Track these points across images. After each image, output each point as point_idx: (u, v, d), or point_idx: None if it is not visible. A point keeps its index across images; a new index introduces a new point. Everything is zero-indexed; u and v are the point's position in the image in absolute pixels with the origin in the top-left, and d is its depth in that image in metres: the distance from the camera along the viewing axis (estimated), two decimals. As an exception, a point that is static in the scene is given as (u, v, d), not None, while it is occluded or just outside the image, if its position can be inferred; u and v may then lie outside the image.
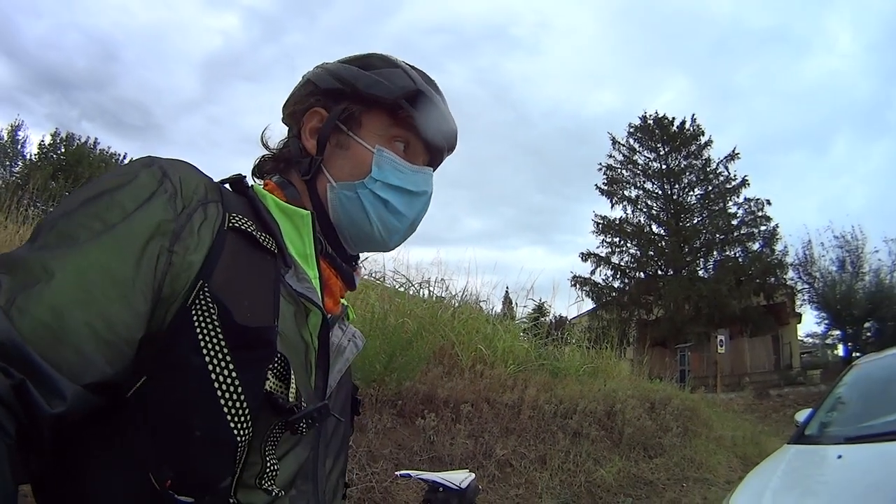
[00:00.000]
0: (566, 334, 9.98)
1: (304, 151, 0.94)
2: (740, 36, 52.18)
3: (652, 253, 27.91)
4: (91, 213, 0.67)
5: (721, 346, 20.24)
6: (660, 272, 27.72)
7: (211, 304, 0.68)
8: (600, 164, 29.23)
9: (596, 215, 28.75)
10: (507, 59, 71.34)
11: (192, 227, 0.71)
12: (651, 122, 29.13)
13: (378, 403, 4.85)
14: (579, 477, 5.63)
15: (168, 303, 0.68)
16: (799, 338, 28.33)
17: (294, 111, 0.98)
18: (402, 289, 7.52)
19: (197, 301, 0.68)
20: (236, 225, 0.76)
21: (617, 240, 28.35)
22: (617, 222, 28.35)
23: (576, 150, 50.65)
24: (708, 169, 27.88)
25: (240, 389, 0.68)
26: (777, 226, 25.76)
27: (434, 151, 0.99)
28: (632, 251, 28.32)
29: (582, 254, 28.40)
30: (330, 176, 0.92)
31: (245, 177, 0.89)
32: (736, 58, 52.76)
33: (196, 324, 0.67)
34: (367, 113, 0.94)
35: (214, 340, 0.68)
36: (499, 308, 9.92)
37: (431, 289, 7.95)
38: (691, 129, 28.49)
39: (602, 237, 28.47)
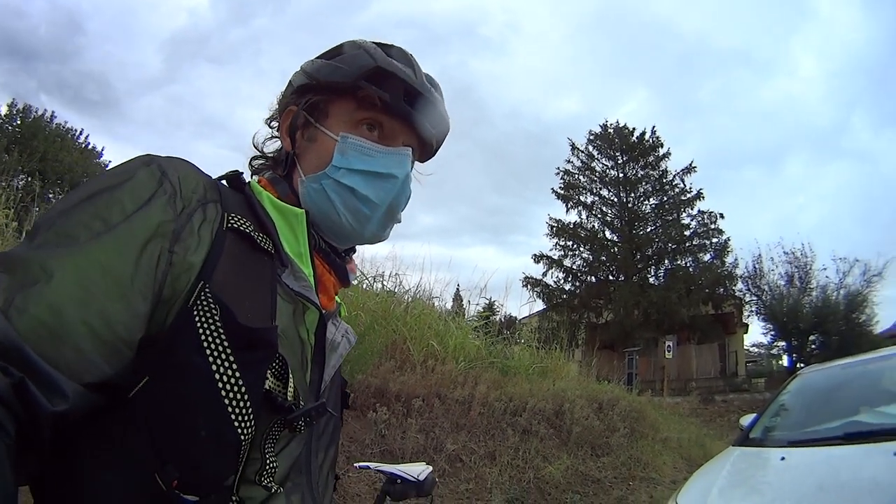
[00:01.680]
0: (516, 333, 10.03)
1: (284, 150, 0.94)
2: (705, 54, 53.81)
3: (604, 258, 28.40)
4: (91, 212, 0.66)
5: (668, 351, 20.74)
6: (611, 277, 28.23)
7: (213, 305, 0.68)
8: (558, 168, 29.69)
9: (551, 218, 29.21)
10: (474, 58, 71.94)
11: (192, 227, 0.71)
12: (611, 130, 29.67)
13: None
14: (528, 473, 5.67)
15: (169, 304, 0.68)
16: (745, 347, 29.20)
17: (277, 113, 0.99)
18: (355, 282, 7.44)
19: (198, 302, 0.68)
20: (235, 226, 0.76)
21: (570, 243, 28.78)
22: (571, 226, 28.77)
23: (534, 154, 51.22)
24: (664, 180, 28.53)
25: (243, 390, 0.68)
26: (729, 239, 26.55)
27: (416, 129, 0.93)
28: (584, 255, 28.81)
29: (535, 255, 28.82)
30: (301, 170, 0.91)
31: (242, 173, 0.89)
32: (699, 74, 54.38)
33: (198, 325, 0.67)
34: (333, 102, 0.91)
35: (217, 341, 0.67)
36: (450, 305, 9.91)
37: (385, 283, 7.91)
38: (650, 140, 29.10)
39: (556, 240, 28.93)
